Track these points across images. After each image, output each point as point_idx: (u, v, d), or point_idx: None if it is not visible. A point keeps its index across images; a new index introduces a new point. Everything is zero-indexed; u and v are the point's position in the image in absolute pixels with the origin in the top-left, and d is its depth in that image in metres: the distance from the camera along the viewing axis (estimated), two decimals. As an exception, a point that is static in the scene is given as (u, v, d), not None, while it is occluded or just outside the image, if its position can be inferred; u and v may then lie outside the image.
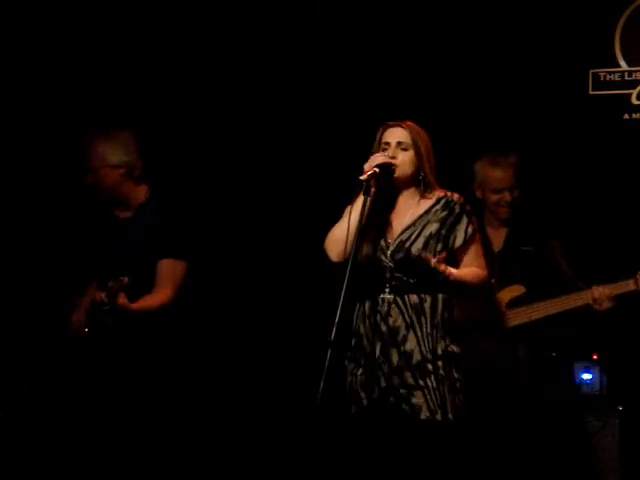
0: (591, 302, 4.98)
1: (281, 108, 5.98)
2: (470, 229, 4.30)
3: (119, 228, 4.97)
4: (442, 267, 4.19)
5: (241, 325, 5.91)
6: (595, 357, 5.54)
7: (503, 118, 5.80)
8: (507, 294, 5.13)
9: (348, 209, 4.29)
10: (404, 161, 4.28)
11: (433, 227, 4.29)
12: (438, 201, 4.32)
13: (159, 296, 4.80)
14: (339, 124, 5.81)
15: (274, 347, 5.81)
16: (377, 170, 4.19)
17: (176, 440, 4.96)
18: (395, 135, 4.31)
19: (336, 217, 4.36)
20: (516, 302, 5.10)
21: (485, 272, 4.35)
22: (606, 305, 4.97)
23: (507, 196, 5.19)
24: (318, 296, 4.80)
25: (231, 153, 6.02)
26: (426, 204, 4.33)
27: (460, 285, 4.26)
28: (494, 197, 5.22)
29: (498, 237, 5.24)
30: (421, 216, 4.30)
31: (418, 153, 4.29)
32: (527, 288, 5.10)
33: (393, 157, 4.26)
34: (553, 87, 5.79)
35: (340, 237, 4.23)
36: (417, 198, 4.34)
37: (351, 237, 4.14)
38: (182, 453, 5.08)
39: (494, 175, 5.20)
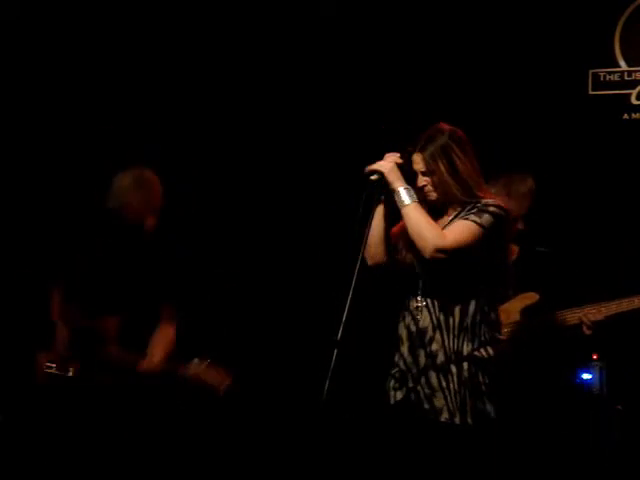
0: (583, 325, 4.95)
1: (281, 109, 5.98)
2: (471, 216, 4.15)
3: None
4: (399, 182, 4.16)
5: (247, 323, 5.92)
6: (595, 357, 5.54)
7: (503, 118, 5.80)
8: (520, 302, 5.07)
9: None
10: (429, 188, 4.22)
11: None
12: (467, 205, 4.21)
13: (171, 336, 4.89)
14: (340, 125, 5.82)
15: (281, 346, 5.82)
16: (388, 166, 4.18)
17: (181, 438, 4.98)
18: (415, 163, 4.23)
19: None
20: (530, 310, 5.05)
21: (447, 240, 4.09)
22: (591, 331, 4.94)
23: (520, 224, 5.13)
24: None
25: (234, 154, 6.03)
26: (458, 211, 4.25)
27: (407, 214, 4.14)
28: None
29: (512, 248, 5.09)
30: (451, 221, 4.22)
31: (438, 177, 4.19)
32: (543, 292, 5.04)
33: (425, 186, 4.21)
34: (553, 87, 5.80)
35: (369, 241, 4.23)
36: (458, 208, 4.26)
37: (365, 239, 4.15)
38: (184, 453, 5.09)
39: (510, 204, 4.93)
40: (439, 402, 4.16)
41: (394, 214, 4.23)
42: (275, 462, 5.43)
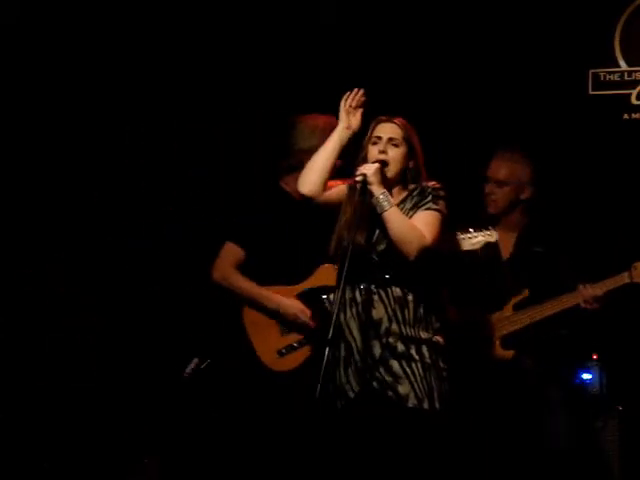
0: (581, 303, 4.95)
1: (281, 115, 5.99)
2: (431, 205, 4.29)
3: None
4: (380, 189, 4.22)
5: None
6: (595, 357, 5.54)
7: (503, 118, 5.80)
8: (512, 298, 5.09)
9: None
10: (394, 157, 4.33)
11: (408, 214, 4.32)
12: (415, 189, 4.36)
13: None
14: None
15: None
16: (372, 169, 4.24)
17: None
18: (387, 131, 4.35)
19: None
20: (521, 305, 5.07)
21: (427, 238, 4.23)
22: (595, 305, 4.94)
23: (493, 188, 5.11)
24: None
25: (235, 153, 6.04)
26: (404, 195, 4.38)
27: (388, 219, 4.22)
28: (485, 187, 5.16)
29: (507, 242, 5.15)
30: (397, 206, 4.31)
31: (411, 149, 4.35)
32: (533, 290, 5.04)
33: (384, 152, 4.31)
34: (553, 87, 5.79)
35: (309, 170, 4.37)
36: (402, 191, 4.39)
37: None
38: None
39: (491, 163, 5.15)
40: (404, 389, 4.20)
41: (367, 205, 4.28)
42: (269, 460, 5.43)
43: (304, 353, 4.89)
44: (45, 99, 6.01)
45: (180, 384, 5.30)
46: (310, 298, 4.88)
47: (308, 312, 4.84)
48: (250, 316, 4.92)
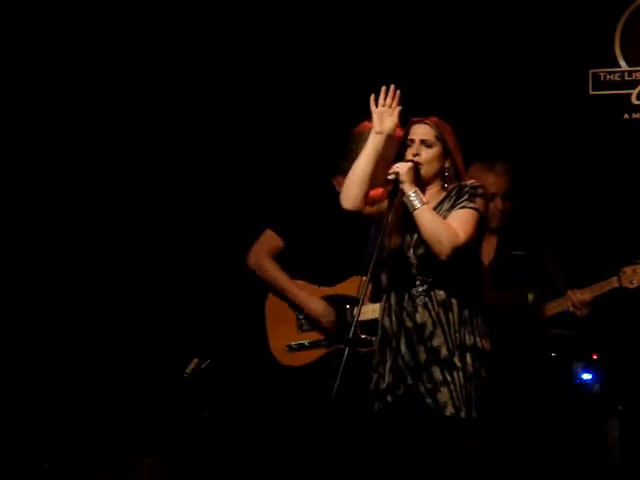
0: (571, 308, 4.91)
1: (281, 115, 6.00)
2: (467, 203, 4.19)
3: None
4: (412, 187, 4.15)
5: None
6: (595, 357, 5.54)
7: (503, 118, 5.80)
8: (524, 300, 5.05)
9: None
10: (427, 158, 4.24)
11: (446, 215, 4.23)
12: (453, 189, 4.26)
13: None
14: (341, 126, 5.81)
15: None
16: (405, 167, 4.18)
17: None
18: (419, 132, 4.26)
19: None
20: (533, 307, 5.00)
21: (461, 237, 4.12)
22: (585, 311, 4.90)
23: (499, 203, 5.04)
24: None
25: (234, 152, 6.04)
26: (443, 195, 4.29)
27: (419, 218, 4.14)
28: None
29: (488, 246, 5.05)
30: (435, 208, 4.24)
31: (445, 148, 4.26)
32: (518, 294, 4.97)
33: (417, 154, 4.24)
34: (553, 87, 5.79)
35: (350, 183, 4.25)
36: (441, 192, 4.30)
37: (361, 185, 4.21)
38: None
39: (487, 180, 5.00)
40: (443, 396, 4.15)
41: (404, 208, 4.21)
42: (284, 459, 5.43)
43: (312, 355, 4.92)
44: (45, 99, 6.01)
45: (180, 384, 5.30)
46: (335, 304, 4.92)
47: (332, 317, 4.88)
48: (273, 304, 5.00)
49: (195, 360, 5.24)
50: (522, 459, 4.99)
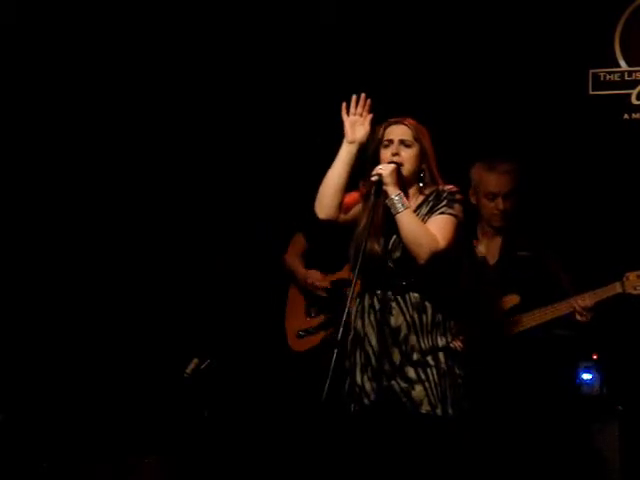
0: (576, 316, 4.87)
1: (280, 115, 6.00)
2: (445, 209, 4.23)
3: None
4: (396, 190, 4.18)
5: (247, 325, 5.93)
6: (595, 357, 5.54)
7: (503, 118, 5.80)
8: (505, 304, 5.05)
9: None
10: (407, 158, 4.27)
11: (424, 219, 4.26)
12: (431, 194, 4.30)
13: None
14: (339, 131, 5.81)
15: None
16: (388, 169, 4.19)
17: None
18: (398, 132, 4.29)
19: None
20: (512, 311, 4.98)
21: (440, 242, 4.16)
22: (586, 315, 4.86)
23: (500, 203, 5.03)
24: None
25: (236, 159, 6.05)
26: (421, 199, 4.32)
27: (401, 221, 4.16)
28: (488, 203, 5.05)
29: (493, 247, 5.09)
30: (414, 211, 4.27)
31: (422, 150, 4.29)
32: (523, 295, 4.96)
33: (396, 154, 4.26)
34: (553, 87, 5.79)
35: (324, 193, 4.29)
36: (418, 195, 4.33)
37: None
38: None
39: (489, 179, 5.04)
40: (419, 394, 4.18)
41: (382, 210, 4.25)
42: (274, 461, 5.44)
43: (315, 339, 5.22)
44: (45, 99, 6.01)
45: (180, 384, 5.30)
46: (337, 288, 5.26)
47: (320, 283, 5.32)
48: (292, 294, 5.47)
49: (195, 360, 5.25)
50: (522, 459, 4.99)
